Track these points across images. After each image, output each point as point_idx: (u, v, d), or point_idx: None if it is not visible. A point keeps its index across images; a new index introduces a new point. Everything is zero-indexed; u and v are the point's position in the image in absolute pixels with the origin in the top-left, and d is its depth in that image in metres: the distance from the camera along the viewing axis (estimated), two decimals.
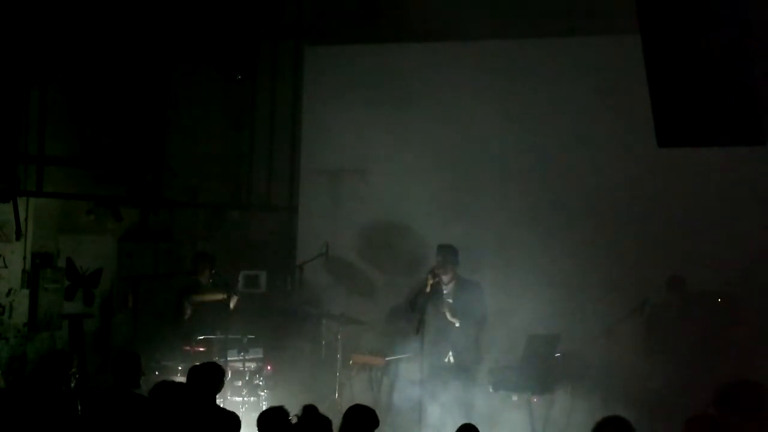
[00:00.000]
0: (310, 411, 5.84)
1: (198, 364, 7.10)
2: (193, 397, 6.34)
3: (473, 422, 6.19)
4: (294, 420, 5.86)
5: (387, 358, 9.59)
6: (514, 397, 8.76)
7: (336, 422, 6.00)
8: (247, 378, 9.19)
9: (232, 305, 9.41)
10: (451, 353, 8.90)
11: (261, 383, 9.21)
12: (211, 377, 6.71)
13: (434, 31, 10.44)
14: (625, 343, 9.12)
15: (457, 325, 8.87)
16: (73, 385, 6.86)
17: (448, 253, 8.98)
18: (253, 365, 9.31)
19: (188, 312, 9.51)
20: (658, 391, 8.76)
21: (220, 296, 9.41)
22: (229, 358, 9.07)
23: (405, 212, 10.53)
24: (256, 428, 5.88)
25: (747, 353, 8.78)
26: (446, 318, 8.92)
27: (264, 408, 9.06)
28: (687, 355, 8.95)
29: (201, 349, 9.18)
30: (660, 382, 8.82)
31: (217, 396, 8.79)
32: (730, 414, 5.78)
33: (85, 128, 10.50)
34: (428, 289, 8.81)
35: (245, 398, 9.14)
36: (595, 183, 9.84)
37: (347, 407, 6.11)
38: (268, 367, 9.40)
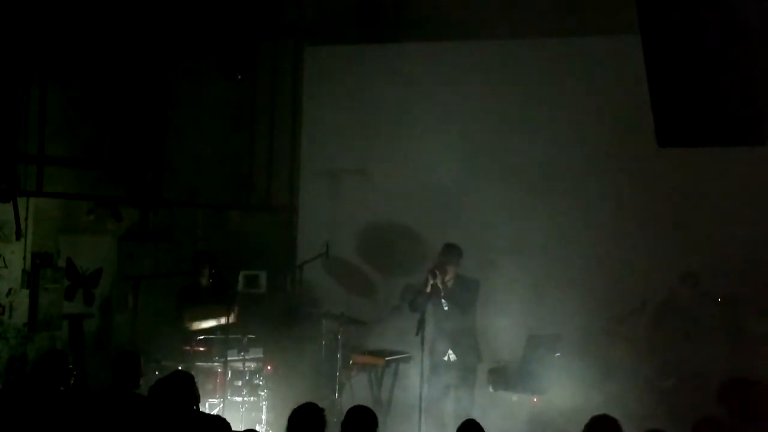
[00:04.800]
0: (308, 408, 5.84)
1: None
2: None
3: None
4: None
5: (387, 358, 9.58)
6: (514, 397, 8.77)
7: (336, 422, 6.01)
8: (247, 378, 9.18)
9: (232, 320, 9.34)
10: (450, 352, 8.90)
11: (261, 383, 9.21)
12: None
13: (434, 31, 10.44)
14: (625, 343, 9.12)
15: (446, 308, 8.84)
16: (71, 385, 6.86)
17: (452, 252, 8.96)
18: (253, 365, 9.30)
19: (186, 322, 9.48)
20: (662, 391, 8.76)
21: (220, 319, 9.37)
22: (229, 358, 9.07)
23: (405, 212, 10.53)
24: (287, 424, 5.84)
25: (748, 353, 8.79)
26: (445, 314, 8.93)
27: (264, 407, 9.11)
28: (687, 355, 8.96)
29: (201, 349, 9.18)
30: (661, 382, 8.83)
31: (216, 397, 8.90)
32: (732, 409, 5.79)
33: (85, 128, 10.49)
34: (428, 289, 8.81)
35: (245, 398, 9.14)
36: (595, 183, 9.85)
37: (347, 407, 6.12)
38: (268, 367, 9.40)
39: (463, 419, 6.68)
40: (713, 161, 9.02)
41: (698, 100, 5.28)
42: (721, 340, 9.06)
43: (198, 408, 6.39)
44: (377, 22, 11.09)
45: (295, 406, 5.90)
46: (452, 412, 8.81)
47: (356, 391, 9.67)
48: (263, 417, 9.13)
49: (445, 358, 8.92)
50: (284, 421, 5.86)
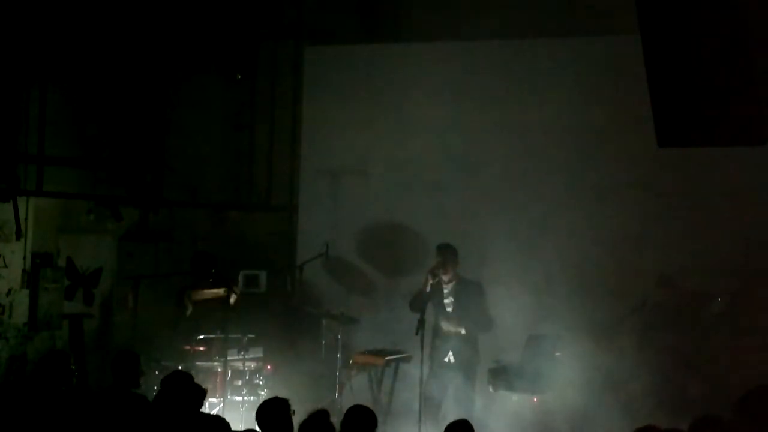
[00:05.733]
0: (320, 416, 5.84)
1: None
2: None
3: (473, 422, 6.18)
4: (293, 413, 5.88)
5: (387, 358, 9.59)
6: (514, 397, 8.76)
7: (336, 422, 6.01)
8: (247, 378, 9.19)
9: (231, 301, 9.35)
10: (451, 353, 8.89)
11: (261, 383, 9.21)
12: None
13: (434, 31, 10.43)
14: (625, 343, 9.12)
15: (463, 332, 8.85)
16: (71, 385, 6.86)
17: (448, 252, 8.97)
18: (253, 365, 9.31)
19: (189, 309, 9.48)
20: (658, 390, 8.76)
21: (219, 292, 9.38)
22: (229, 358, 9.07)
23: (405, 212, 10.53)
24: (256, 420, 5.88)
25: (747, 353, 8.79)
26: (446, 315, 8.92)
27: None
28: (687, 354, 8.96)
29: (201, 348, 9.19)
30: (661, 382, 8.82)
31: (216, 397, 8.90)
32: (757, 418, 5.71)
33: (85, 128, 10.50)
34: (428, 289, 8.80)
35: (245, 398, 9.14)
36: (595, 183, 9.84)
37: (347, 407, 6.12)
38: (268, 367, 9.41)
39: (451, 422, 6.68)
40: (713, 161, 9.02)
41: (698, 100, 5.28)
42: (720, 339, 9.06)
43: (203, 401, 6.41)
44: (377, 22, 11.09)
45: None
46: (452, 413, 8.80)
47: (356, 391, 9.67)
48: None
49: (446, 359, 8.91)
50: None
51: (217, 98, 11.74)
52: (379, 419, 6.04)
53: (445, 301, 8.98)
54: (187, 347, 9.18)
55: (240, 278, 10.08)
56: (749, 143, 5.46)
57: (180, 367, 8.74)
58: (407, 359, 9.58)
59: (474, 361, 8.98)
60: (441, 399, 8.91)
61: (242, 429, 6.97)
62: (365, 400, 8.72)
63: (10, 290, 9.75)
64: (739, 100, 5.18)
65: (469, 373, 8.92)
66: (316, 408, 5.96)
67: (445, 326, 8.88)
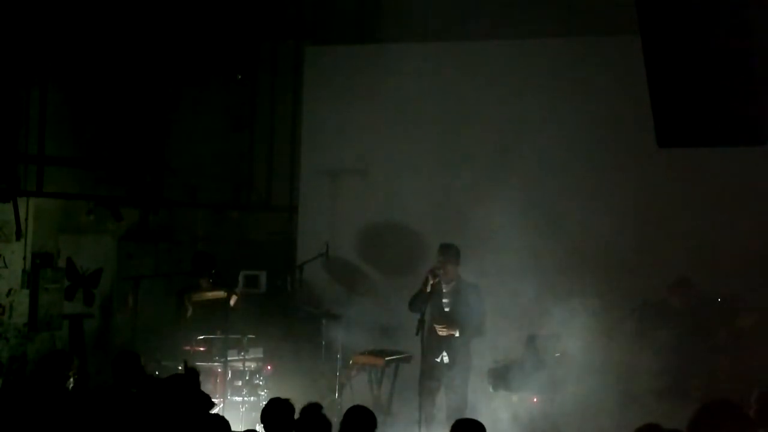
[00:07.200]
0: (312, 410, 5.85)
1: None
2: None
3: None
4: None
5: (387, 358, 9.59)
6: (514, 397, 8.76)
7: (336, 422, 6.02)
8: (247, 378, 9.19)
9: (231, 303, 9.36)
10: (444, 353, 8.86)
11: (261, 383, 9.22)
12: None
13: (434, 31, 10.44)
14: (625, 343, 9.12)
15: (457, 335, 8.84)
16: (72, 385, 6.87)
17: (450, 252, 8.95)
18: (253, 365, 9.31)
19: (189, 310, 9.50)
20: (658, 391, 8.76)
21: (220, 294, 9.40)
22: (229, 358, 9.07)
23: (405, 212, 10.53)
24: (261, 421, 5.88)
25: (747, 353, 8.79)
26: (444, 315, 8.91)
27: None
28: (687, 355, 8.96)
29: (201, 349, 9.19)
30: (661, 382, 8.82)
31: (216, 397, 8.89)
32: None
33: (86, 128, 10.51)
34: (428, 290, 8.79)
35: (245, 398, 9.14)
36: (594, 183, 9.85)
37: (347, 407, 6.13)
38: (268, 367, 9.41)
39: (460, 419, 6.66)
40: (713, 161, 9.02)
41: (698, 100, 5.27)
42: (720, 340, 9.06)
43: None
44: (377, 22, 11.09)
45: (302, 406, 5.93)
46: (446, 413, 8.79)
47: (356, 391, 9.67)
48: None
49: (438, 360, 8.88)
50: None
51: (217, 98, 11.76)
52: (379, 419, 6.05)
53: (443, 301, 8.96)
54: (187, 347, 9.18)
55: (240, 278, 10.08)
56: (749, 143, 5.46)
57: (180, 368, 8.74)
58: (407, 359, 9.58)
59: (467, 363, 8.93)
60: (437, 399, 8.91)
61: (242, 429, 6.98)
62: (365, 400, 8.72)
63: (10, 290, 9.76)
64: (739, 100, 5.17)
65: (463, 373, 8.89)
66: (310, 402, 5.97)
67: (439, 327, 8.86)
